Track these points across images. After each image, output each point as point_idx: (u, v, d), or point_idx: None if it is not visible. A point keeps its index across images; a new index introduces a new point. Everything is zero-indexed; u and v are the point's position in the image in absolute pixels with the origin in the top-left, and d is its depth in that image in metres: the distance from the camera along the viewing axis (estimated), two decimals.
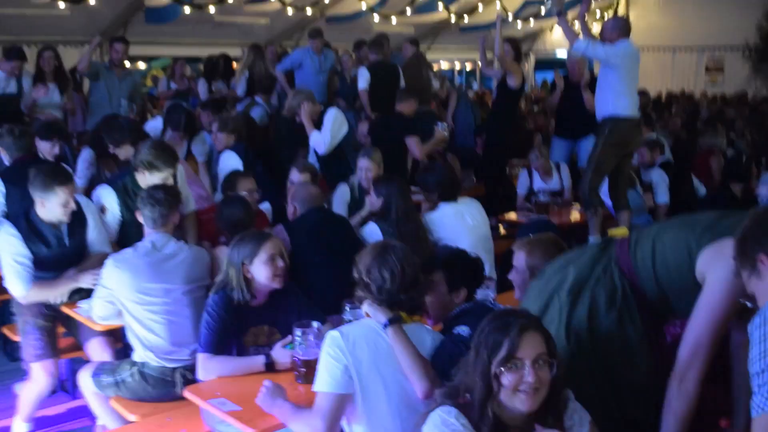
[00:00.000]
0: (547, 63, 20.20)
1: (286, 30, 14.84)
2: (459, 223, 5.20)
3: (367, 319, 2.92)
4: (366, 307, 2.93)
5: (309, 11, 14.02)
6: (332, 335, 2.78)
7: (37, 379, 4.28)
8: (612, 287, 2.81)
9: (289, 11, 13.64)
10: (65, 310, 4.28)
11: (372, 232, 4.86)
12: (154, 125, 6.90)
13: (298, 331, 3.12)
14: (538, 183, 7.49)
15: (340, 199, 5.92)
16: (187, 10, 12.20)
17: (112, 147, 5.52)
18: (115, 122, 5.97)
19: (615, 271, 2.83)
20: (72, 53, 13.40)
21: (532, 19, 18.17)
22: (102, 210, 4.61)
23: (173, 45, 13.72)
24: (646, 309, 2.81)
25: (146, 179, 4.51)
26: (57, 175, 4.12)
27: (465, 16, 16.76)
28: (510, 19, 17.17)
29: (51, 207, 4.08)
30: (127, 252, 3.88)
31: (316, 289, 4.38)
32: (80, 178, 5.88)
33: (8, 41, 10.03)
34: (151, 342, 3.73)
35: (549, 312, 2.84)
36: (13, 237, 4.06)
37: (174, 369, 3.71)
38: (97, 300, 3.87)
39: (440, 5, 15.32)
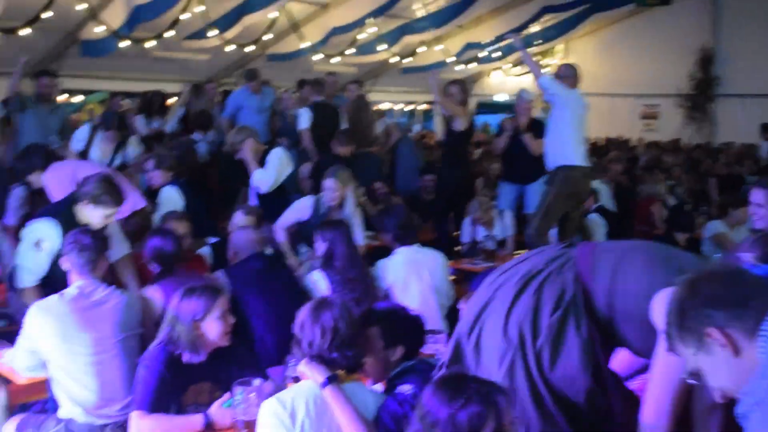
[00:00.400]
0: (487, 106, 20.40)
1: (226, 67, 14.71)
2: (412, 272, 5.06)
3: (306, 381, 2.75)
4: (301, 367, 2.78)
5: (250, 48, 13.90)
6: (269, 405, 2.62)
7: None
8: (562, 286, 2.65)
9: (230, 48, 13.49)
10: None
11: (317, 280, 4.70)
12: (82, 132, 6.66)
13: (238, 389, 2.92)
14: (481, 232, 7.36)
15: (296, 207, 5.96)
16: (124, 44, 11.95)
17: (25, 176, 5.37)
18: (27, 150, 5.76)
19: (569, 272, 2.67)
20: (3, 85, 13.03)
21: (474, 63, 18.36)
22: (36, 244, 4.31)
23: (111, 79, 13.44)
24: (593, 321, 2.65)
25: (89, 213, 4.29)
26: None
27: (406, 57, 16.85)
28: (451, 61, 17.34)
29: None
30: (52, 299, 3.60)
31: (257, 338, 4.23)
32: (11, 217, 5.55)
33: None
34: (78, 396, 3.45)
35: (492, 303, 2.70)
36: None
37: (104, 426, 3.44)
38: (20, 350, 3.59)
39: (381, 47, 15.36)
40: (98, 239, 3.79)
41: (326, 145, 7.93)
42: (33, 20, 11.09)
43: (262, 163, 6.51)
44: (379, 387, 3.08)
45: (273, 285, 4.44)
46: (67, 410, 3.49)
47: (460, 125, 7.96)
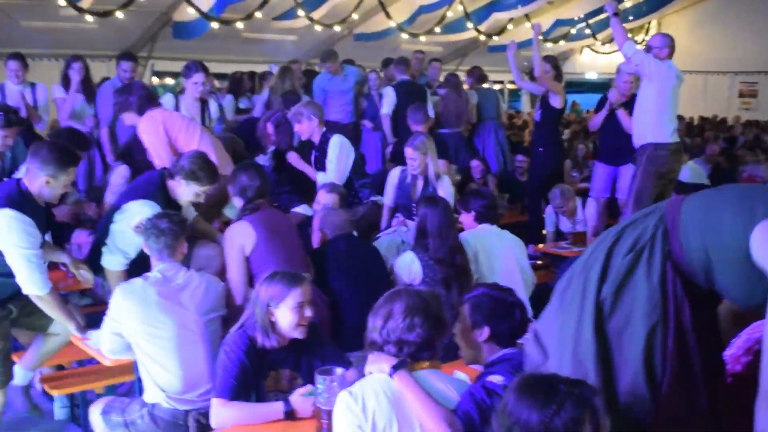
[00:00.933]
0: (576, 85, 19.96)
1: (314, 47, 14.73)
2: (497, 245, 4.99)
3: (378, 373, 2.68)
4: (369, 366, 2.70)
5: (337, 28, 13.90)
6: (342, 397, 2.57)
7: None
8: (642, 230, 2.40)
9: (317, 28, 13.52)
10: (74, 341, 4.08)
11: (410, 263, 4.60)
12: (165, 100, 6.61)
13: (320, 379, 2.88)
14: (564, 222, 7.12)
15: (389, 180, 6.01)
16: (215, 25, 12.12)
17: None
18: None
19: (653, 216, 2.44)
20: (99, 67, 13.38)
21: (563, 40, 17.96)
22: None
23: (201, 61, 13.63)
24: (677, 273, 2.36)
25: (182, 190, 4.34)
26: (72, 155, 3.96)
27: (494, 35, 16.58)
28: (540, 39, 16.96)
29: (55, 186, 3.89)
30: (136, 282, 3.63)
31: (343, 321, 4.22)
32: (113, 193, 5.57)
33: (36, 54, 9.98)
34: (162, 381, 3.48)
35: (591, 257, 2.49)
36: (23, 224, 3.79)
37: (187, 412, 3.47)
38: (105, 332, 3.64)
39: (469, 24, 15.14)
40: (175, 223, 3.78)
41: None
42: (127, 3, 11.33)
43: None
44: (464, 375, 3.01)
45: (358, 267, 4.42)
46: (151, 395, 3.53)
47: (557, 102, 7.72)
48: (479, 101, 9.46)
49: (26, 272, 3.79)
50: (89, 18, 11.32)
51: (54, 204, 4.15)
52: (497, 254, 4.94)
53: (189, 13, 11.94)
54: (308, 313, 3.25)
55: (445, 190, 5.74)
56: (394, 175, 5.99)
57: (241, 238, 4.14)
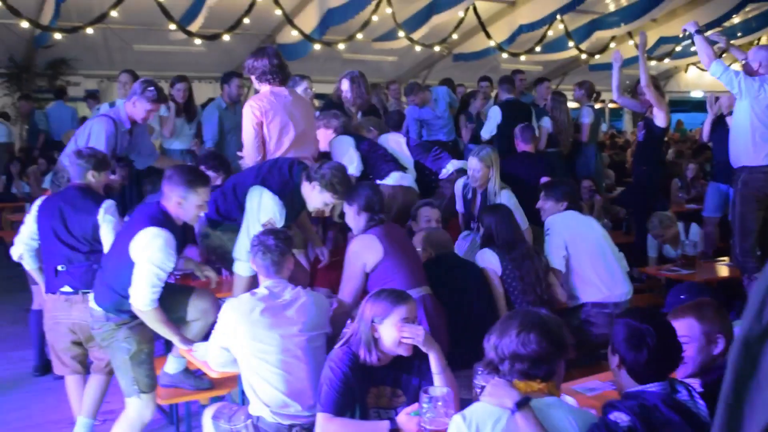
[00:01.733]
0: (681, 104, 19.45)
1: (413, 67, 14.87)
2: (584, 228, 5.09)
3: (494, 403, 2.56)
4: (487, 396, 2.56)
5: (437, 48, 13.98)
6: (455, 421, 2.52)
7: (141, 414, 4.08)
8: None
9: (417, 49, 13.63)
10: (182, 353, 4.19)
11: (488, 258, 4.70)
12: None
13: (425, 398, 2.86)
14: (668, 250, 6.80)
15: (457, 190, 5.93)
16: (317, 47, 12.36)
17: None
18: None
19: None
20: (205, 88, 13.85)
21: (667, 58, 17.55)
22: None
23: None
24: None
25: (314, 195, 4.35)
26: (200, 175, 4.05)
27: (595, 54, 16.33)
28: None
29: (188, 207, 3.97)
30: (244, 297, 3.70)
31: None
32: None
33: (147, 76, 10.39)
34: (265, 395, 3.51)
35: None
36: (169, 244, 3.86)
37: (290, 426, 3.50)
38: (213, 345, 3.71)
39: (570, 43, 14.96)
40: (281, 240, 3.81)
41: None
42: (234, 26, 11.68)
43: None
44: (571, 400, 2.93)
45: (461, 286, 4.41)
46: (255, 408, 3.57)
47: (661, 121, 7.47)
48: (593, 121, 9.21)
49: (143, 287, 3.86)
50: (197, 41, 11.71)
51: (190, 225, 4.21)
52: (585, 236, 5.08)
53: (292, 35, 12.22)
54: (413, 328, 3.20)
55: (510, 202, 5.60)
56: (459, 185, 5.92)
57: (366, 254, 4.09)
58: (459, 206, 5.97)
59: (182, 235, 4.08)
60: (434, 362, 3.17)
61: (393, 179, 5.52)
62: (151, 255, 3.82)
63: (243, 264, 4.33)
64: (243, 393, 3.86)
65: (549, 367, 2.60)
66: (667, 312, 3.11)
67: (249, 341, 3.52)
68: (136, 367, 4.03)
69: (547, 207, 5.31)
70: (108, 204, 4.40)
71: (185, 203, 3.93)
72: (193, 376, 4.35)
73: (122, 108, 5.51)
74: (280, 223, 4.31)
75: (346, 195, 4.32)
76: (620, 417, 2.46)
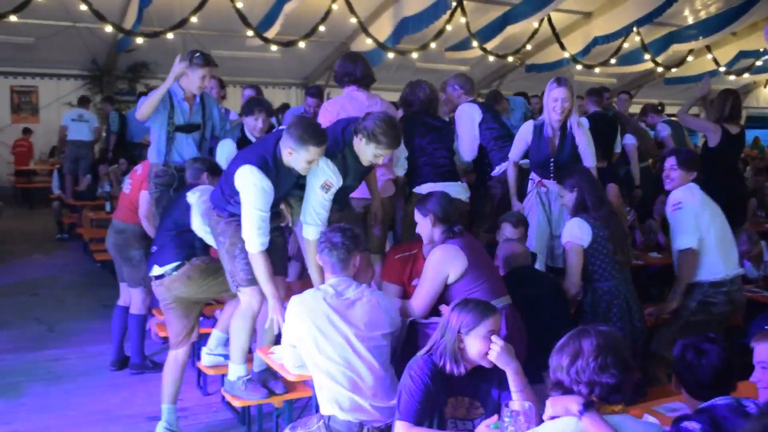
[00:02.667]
0: (759, 120, 18.96)
1: (485, 77, 14.84)
2: (712, 203, 5.01)
3: (566, 418, 2.57)
4: (551, 409, 2.57)
5: (510, 59, 13.93)
6: None
7: (249, 303, 4.19)
8: None
9: (490, 59, 13.60)
10: (259, 354, 4.27)
11: (574, 232, 4.63)
12: None
13: (507, 412, 2.85)
14: (747, 266, 6.39)
15: (520, 133, 5.57)
16: (390, 55, 12.44)
17: None
18: None
19: None
20: (279, 94, 14.08)
21: (746, 73, 17.15)
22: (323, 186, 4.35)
23: (376, 90, 14.03)
24: None
25: (362, 149, 4.30)
26: (317, 135, 4.05)
27: (672, 67, 16.06)
28: (722, 71, 16.30)
29: (297, 159, 4.04)
30: (308, 293, 3.74)
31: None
32: None
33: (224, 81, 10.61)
34: (333, 393, 3.53)
35: None
36: (266, 188, 4.00)
37: (361, 424, 3.50)
38: (285, 345, 3.77)
39: (646, 56, 14.74)
40: (348, 238, 3.80)
41: (604, 155, 7.47)
42: (309, 34, 11.85)
43: None
44: (653, 420, 2.90)
45: (533, 300, 4.38)
46: (327, 407, 3.58)
47: (711, 141, 7.22)
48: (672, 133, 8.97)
49: (248, 228, 4.01)
50: (273, 48, 11.90)
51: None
52: (715, 211, 5.01)
53: (366, 43, 12.32)
54: (500, 342, 3.19)
55: (582, 139, 5.34)
56: (527, 130, 5.46)
57: (450, 265, 4.01)
58: (516, 154, 5.62)
59: (294, 181, 4.21)
60: (512, 379, 3.16)
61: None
62: (250, 198, 3.98)
63: (310, 228, 4.32)
64: (313, 399, 3.92)
65: (625, 392, 2.58)
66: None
67: (312, 337, 3.55)
68: (231, 261, 4.17)
69: (675, 176, 5.04)
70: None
71: (295, 155, 4.01)
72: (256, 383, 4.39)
73: (175, 84, 5.34)
74: (337, 183, 4.28)
75: (392, 144, 4.27)
76: (691, 425, 2.48)
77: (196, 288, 4.58)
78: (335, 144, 4.34)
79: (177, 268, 4.51)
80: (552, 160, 5.28)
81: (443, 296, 3.97)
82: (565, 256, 4.68)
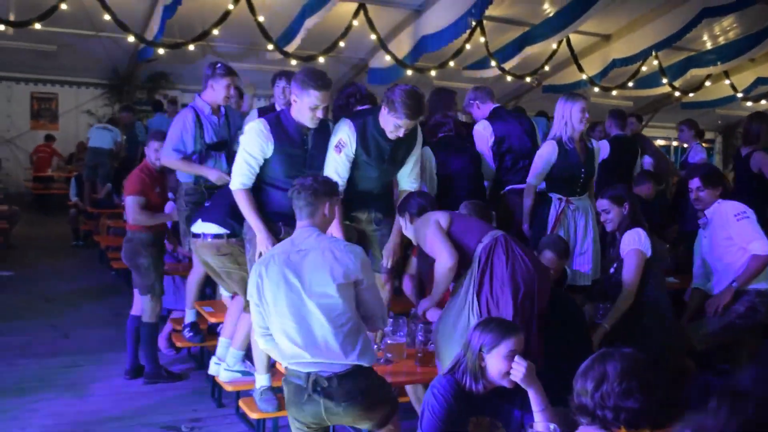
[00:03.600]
0: None
1: (502, 96, 14.85)
2: None
3: None
4: None
5: (527, 79, 13.96)
6: None
7: None
8: None
9: (508, 78, 13.63)
10: (278, 367, 4.28)
11: (644, 236, 4.69)
12: None
13: None
14: None
15: (541, 154, 5.43)
16: (408, 72, 12.49)
17: None
18: None
19: None
20: None
21: (764, 99, 17.11)
22: (336, 146, 4.42)
23: None
24: None
25: (383, 118, 4.33)
26: (317, 78, 4.12)
27: (689, 92, 16.05)
28: (740, 96, 16.28)
29: (301, 107, 4.13)
30: (270, 251, 3.75)
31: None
32: None
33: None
34: (284, 346, 3.50)
35: None
36: (260, 133, 4.21)
37: (308, 375, 3.46)
38: (251, 306, 3.67)
39: (664, 80, 14.74)
40: (320, 183, 3.67)
41: (625, 180, 7.45)
42: (329, 49, 11.91)
43: None
44: None
45: (555, 320, 4.36)
46: (283, 362, 3.59)
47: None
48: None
49: (234, 166, 4.29)
50: (293, 62, 11.97)
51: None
52: None
53: (385, 60, 12.38)
54: (522, 362, 3.18)
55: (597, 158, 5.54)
56: (551, 150, 5.29)
57: (436, 217, 4.08)
58: (538, 179, 5.49)
59: (295, 136, 4.26)
60: (534, 399, 3.16)
61: None
62: (245, 139, 4.25)
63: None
64: None
65: (652, 417, 2.55)
66: None
67: (272, 294, 3.49)
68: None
69: (704, 195, 5.15)
70: None
71: (299, 102, 4.11)
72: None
73: (200, 100, 5.49)
74: (351, 145, 4.34)
75: (409, 116, 4.23)
76: None
77: (219, 265, 4.72)
78: (362, 112, 4.50)
79: (216, 236, 4.67)
80: (582, 172, 5.28)
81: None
82: (623, 266, 4.66)
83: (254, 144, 4.19)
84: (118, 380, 5.83)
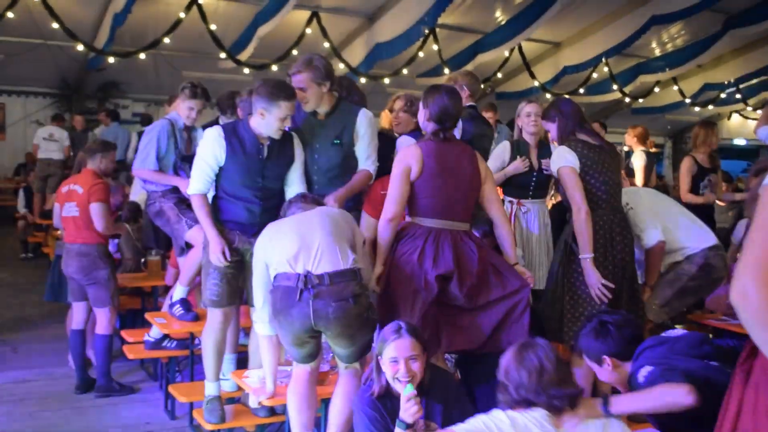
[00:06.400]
0: (724, 151, 19.28)
1: None
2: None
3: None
4: (582, 419, 2.77)
5: (480, 86, 14.05)
6: None
7: (211, 324, 4.28)
8: None
9: None
10: (234, 378, 4.25)
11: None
12: None
13: None
14: None
15: (495, 154, 5.42)
16: (362, 80, 12.50)
17: None
18: None
19: None
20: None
21: (711, 105, 17.49)
22: None
23: None
24: None
25: (265, 121, 4.18)
26: (285, 88, 4.11)
27: (639, 98, 16.33)
28: (687, 102, 16.60)
29: (269, 119, 4.08)
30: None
31: None
32: None
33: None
34: (281, 256, 3.63)
35: None
36: (214, 140, 4.18)
37: (299, 276, 3.54)
38: (256, 272, 3.80)
39: (614, 86, 14.97)
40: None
41: None
42: (282, 57, 11.88)
43: None
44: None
45: None
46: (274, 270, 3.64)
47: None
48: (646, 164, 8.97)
49: (192, 172, 4.27)
50: (246, 70, 11.91)
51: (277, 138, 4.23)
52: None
53: (339, 68, 12.36)
54: (404, 368, 3.13)
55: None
56: (504, 149, 5.32)
57: (410, 159, 3.97)
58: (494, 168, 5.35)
59: (251, 145, 4.20)
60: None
61: None
62: (200, 147, 4.24)
63: None
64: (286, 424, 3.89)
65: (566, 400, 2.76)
66: None
67: (273, 240, 3.67)
68: (205, 277, 4.33)
69: None
70: None
71: (267, 115, 4.07)
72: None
73: (174, 112, 5.62)
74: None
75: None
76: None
77: None
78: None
79: None
80: (534, 176, 5.27)
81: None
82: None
83: (208, 150, 4.17)
84: (68, 395, 5.72)
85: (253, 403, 4.13)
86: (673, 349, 2.91)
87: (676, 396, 2.64)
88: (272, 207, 4.21)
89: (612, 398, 2.78)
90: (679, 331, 3.60)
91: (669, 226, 4.90)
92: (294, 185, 4.33)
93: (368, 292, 3.67)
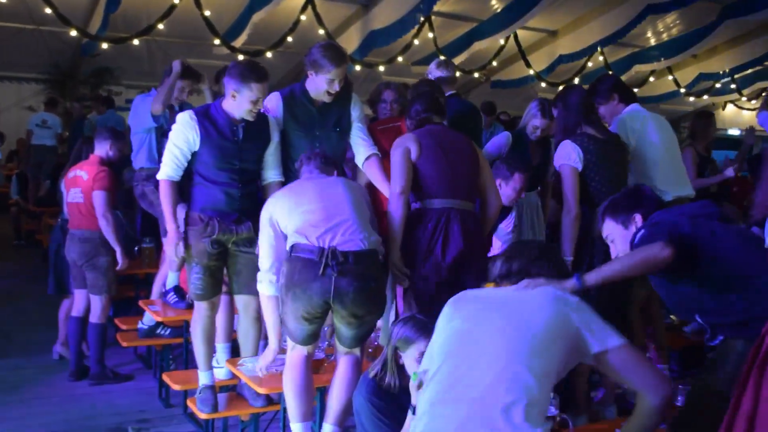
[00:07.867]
0: (719, 141, 19.28)
1: None
2: None
3: None
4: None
5: (476, 74, 14.04)
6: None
7: (197, 315, 4.27)
8: None
9: (456, 74, 13.66)
10: (228, 366, 4.24)
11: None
12: None
13: None
14: None
15: (494, 142, 5.51)
16: (357, 67, 12.47)
17: None
18: None
19: None
20: None
21: (705, 95, 17.49)
22: None
23: None
24: None
25: (315, 82, 4.29)
26: (258, 70, 4.06)
27: (634, 87, 16.30)
28: (682, 92, 16.60)
29: (240, 101, 4.03)
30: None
31: None
32: None
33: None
34: (301, 227, 3.67)
35: None
36: (186, 124, 4.10)
37: (322, 249, 3.56)
38: (262, 233, 3.85)
39: (610, 74, 14.94)
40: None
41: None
42: (276, 44, 11.82)
43: None
44: None
45: None
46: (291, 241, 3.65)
47: None
48: None
49: (163, 157, 4.17)
50: (240, 57, 11.84)
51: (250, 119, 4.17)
52: None
53: None
54: None
55: None
56: (501, 139, 5.45)
57: (407, 143, 4.04)
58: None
59: (224, 128, 4.13)
60: None
61: None
62: (173, 132, 4.14)
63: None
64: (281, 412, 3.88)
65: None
66: None
67: (290, 200, 3.72)
68: (188, 270, 4.25)
69: None
70: None
71: (239, 97, 4.02)
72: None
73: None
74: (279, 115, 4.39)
75: (338, 62, 4.18)
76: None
77: None
78: (288, 87, 4.50)
79: None
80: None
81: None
82: None
83: (180, 135, 4.09)
84: (62, 382, 5.70)
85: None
86: (681, 211, 3.04)
87: (651, 251, 2.69)
88: (252, 192, 4.20)
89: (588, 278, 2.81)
90: None
91: None
92: (271, 168, 4.30)
93: (385, 275, 3.72)
